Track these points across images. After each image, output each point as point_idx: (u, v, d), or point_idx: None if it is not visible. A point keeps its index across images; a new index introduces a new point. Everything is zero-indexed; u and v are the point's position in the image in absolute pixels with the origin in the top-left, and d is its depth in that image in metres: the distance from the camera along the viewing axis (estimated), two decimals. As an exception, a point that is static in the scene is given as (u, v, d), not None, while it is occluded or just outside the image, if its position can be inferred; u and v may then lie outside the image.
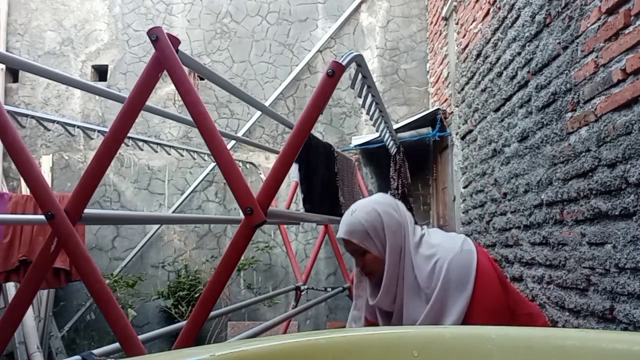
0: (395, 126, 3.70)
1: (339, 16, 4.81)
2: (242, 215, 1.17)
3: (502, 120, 2.61)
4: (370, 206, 1.39)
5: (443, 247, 1.32)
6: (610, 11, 1.58)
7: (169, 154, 3.68)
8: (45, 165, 4.79)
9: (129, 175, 4.81)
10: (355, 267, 1.47)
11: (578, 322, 1.81)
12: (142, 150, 3.30)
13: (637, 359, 0.60)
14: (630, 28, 1.48)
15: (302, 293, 3.43)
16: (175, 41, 1.18)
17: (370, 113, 1.99)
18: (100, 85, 4.53)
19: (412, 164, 3.40)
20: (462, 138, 3.43)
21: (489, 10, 2.83)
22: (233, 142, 4.57)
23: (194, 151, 3.81)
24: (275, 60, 4.84)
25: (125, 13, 5.00)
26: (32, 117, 2.24)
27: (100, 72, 5.04)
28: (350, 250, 1.41)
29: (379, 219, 1.37)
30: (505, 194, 2.57)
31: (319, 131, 4.63)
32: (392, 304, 1.36)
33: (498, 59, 2.66)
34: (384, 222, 1.36)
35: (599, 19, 1.65)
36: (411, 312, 1.33)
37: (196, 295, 4.33)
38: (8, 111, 1.36)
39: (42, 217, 1.12)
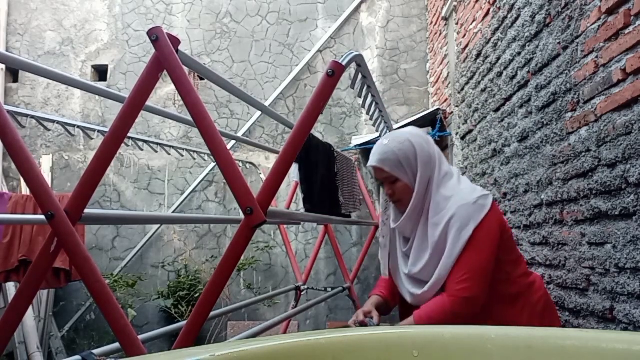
0: (395, 126, 3.69)
1: (339, 16, 4.81)
2: (242, 215, 1.17)
3: (502, 120, 2.61)
4: (403, 136, 1.45)
5: (461, 194, 1.39)
6: (610, 11, 1.58)
7: (169, 154, 3.68)
8: (45, 165, 4.78)
9: (129, 175, 4.81)
10: (382, 195, 1.54)
11: (578, 322, 1.81)
12: (142, 150, 3.30)
13: (637, 359, 0.60)
14: (630, 28, 1.48)
15: (302, 293, 3.43)
16: (175, 41, 1.18)
17: (370, 113, 1.99)
18: (100, 85, 4.53)
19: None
20: (462, 138, 3.43)
21: (489, 10, 2.83)
22: (233, 142, 4.57)
23: (194, 151, 3.81)
24: (275, 60, 4.84)
25: (125, 13, 5.00)
26: (32, 117, 2.24)
27: (100, 72, 5.04)
28: (380, 179, 1.48)
29: (412, 149, 1.43)
30: (505, 194, 2.57)
31: (319, 131, 4.63)
32: (412, 232, 1.45)
33: (498, 59, 2.66)
34: (417, 152, 1.43)
35: (599, 19, 1.65)
36: (420, 243, 1.43)
37: (196, 295, 4.33)
38: (8, 111, 1.36)
39: (42, 217, 1.12)
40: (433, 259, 1.38)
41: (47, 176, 4.69)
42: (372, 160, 1.45)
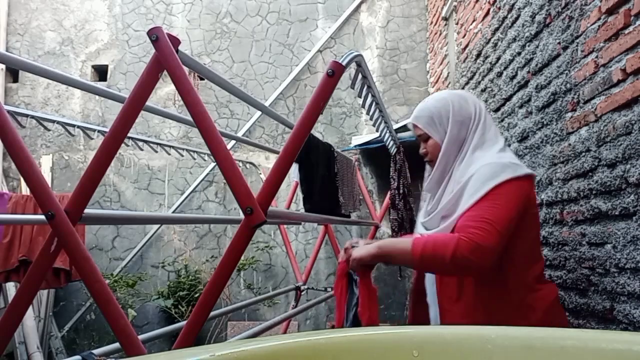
0: (395, 126, 3.69)
1: (339, 16, 4.81)
2: (242, 215, 1.17)
3: (502, 120, 2.61)
4: (443, 94, 1.43)
5: (494, 157, 1.32)
6: (610, 11, 1.58)
7: (169, 154, 3.69)
8: (45, 165, 4.79)
9: (129, 175, 4.81)
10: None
11: (578, 322, 1.81)
12: (142, 150, 3.30)
13: (637, 359, 0.60)
14: (630, 28, 1.48)
15: (302, 293, 3.43)
16: (175, 41, 1.18)
17: (370, 113, 1.99)
18: (100, 85, 4.53)
19: (412, 164, 3.39)
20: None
21: (489, 10, 2.83)
22: (233, 142, 4.57)
23: (194, 151, 3.81)
24: (275, 60, 4.84)
25: (125, 13, 5.00)
26: (32, 117, 2.24)
27: (100, 72, 5.04)
28: (416, 136, 1.45)
29: (448, 107, 1.39)
30: (505, 194, 2.56)
31: (319, 131, 4.63)
32: (439, 194, 1.39)
33: (498, 59, 2.66)
34: (452, 110, 1.38)
35: (599, 19, 1.65)
36: (437, 199, 1.38)
37: (196, 295, 4.33)
38: (8, 111, 1.36)
39: (42, 217, 1.12)
40: (446, 210, 1.32)
41: (47, 176, 4.69)
42: (411, 117, 1.45)
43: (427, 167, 1.48)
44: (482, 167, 1.30)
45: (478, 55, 3.03)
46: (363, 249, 1.34)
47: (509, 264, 1.30)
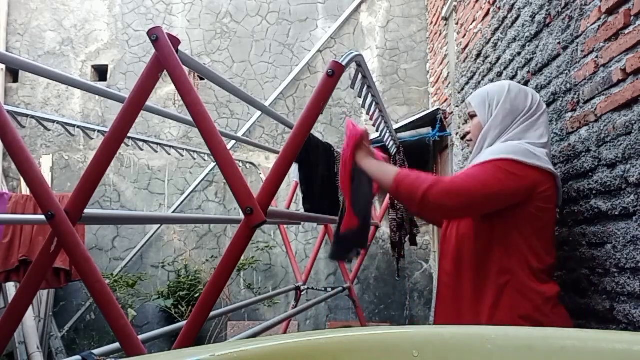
0: (395, 126, 3.70)
1: (339, 16, 4.81)
2: (242, 215, 1.17)
3: (502, 120, 2.60)
4: (506, 82, 1.45)
5: (516, 143, 1.35)
6: (610, 11, 1.58)
7: (169, 154, 3.68)
8: (45, 165, 4.79)
9: (129, 175, 4.81)
10: None
11: (578, 322, 1.81)
12: (142, 150, 3.30)
13: (637, 359, 0.60)
14: (630, 28, 1.48)
15: (302, 293, 3.42)
16: (175, 41, 1.18)
17: (370, 113, 1.99)
18: (100, 85, 4.53)
19: (412, 164, 3.39)
20: (462, 138, 3.43)
21: (489, 10, 2.83)
22: (233, 142, 4.57)
23: (194, 151, 3.81)
24: (275, 60, 4.84)
25: (125, 13, 5.00)
26: (32, 117, 2.24)
27: (100, 72, 5.04)
28: (468, 114, 1.49)
29: (502, 93, 1.41)
30: (505, 194, 2.56)
31: (319, 131, 4.63)
32: None
33: (498, 59, 2.66)
34: (504, 96, 1.40)
35: (599, 19, 1.65)
36: None
37: (196, 295, 4.33)
38: (8, 111, 1.36)
39: (42, 217, 1.12)
40: None
41: (47, 176, 4.69)
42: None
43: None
44: (499, 146, 1.34)
45: (478, 55, 3.02)
46: (362, 154, 1.39)
47: (504, 252, 1.30)
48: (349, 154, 1.41)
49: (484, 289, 1.31)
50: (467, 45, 3.30)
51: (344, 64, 1.22)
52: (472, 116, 1.47)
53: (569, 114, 1.86)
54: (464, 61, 3.36)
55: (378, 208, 4.24)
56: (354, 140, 1.40)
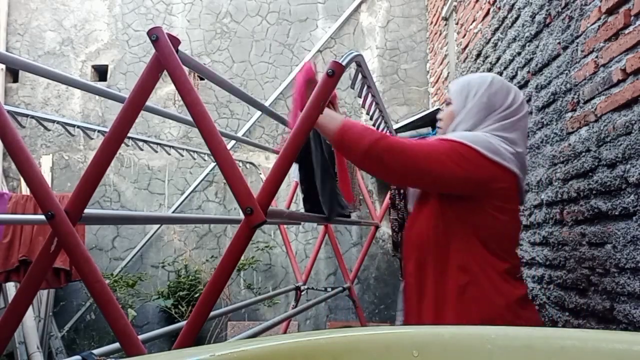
0: (395, 126, 3.69)
1: (339, 16, 4.81)
2: (242, 215, 1.17)
3: (502, 120, 2.61)
4: (492, 75, 1.36)
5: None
6: (610, 11, 1.58)
7: (169, 154, 3.68)
8: (45, 165, 4.78)
9: (129, 175, 4.81)
10: None
11: (578, 322, 1.81)
12: (142, 150, 3.30)
13: (637, 359, 0.60)
14: (630, 28, 1.48)
15: (302, 293, 3.42)
16: (175, 41, 1.18)
17: (370, 113, 1.98)
18: (100, 85, 4.53)
19: (412, 164, 3.40)
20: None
21: (489, 10, 2.83)
22: (233, 142, 4.57)
23: (194, 151, 3.81)
24: (275, 60, 4.84)
25: (125, 13, 5.00)
26: (32, 117, 2.24)
27: (100, 72, 5.04)
28: (445, 101, 1.42)
29: (484, 85, 1.33)
30: (505, 194, 2.56)
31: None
32: None
33: (498, 59, 2.66)
34: (485, 88, 1.32)
35: (599, 19, 1.65)
36: None
37: (196, 295, 4.33)
38: (8, 111, 1.36)
39: (42, 217, 1.12)
40: None
41: (47, 176, 4.69)
42: None
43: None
44: (465, 132, 1.28)
45: (478, 55, 3.02)
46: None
47: (463, 251, 1.24)
48: (301, 92, 1.36)
49: (445, 290, 1.26)
50: (467, 45, 3.30)
51: (344, 64, 1.22)
52: (448, 103, 1.39)
53: (569, 114, 1.86)
54: (464, 61, 3.36)
55: (378, 208, 4.24)
56: (307, 77, 1.37)
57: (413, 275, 1.33)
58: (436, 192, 1.30)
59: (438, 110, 4.26)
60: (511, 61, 2.46)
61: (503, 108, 1.31)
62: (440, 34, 4.20)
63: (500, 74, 2.61)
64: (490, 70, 2.79)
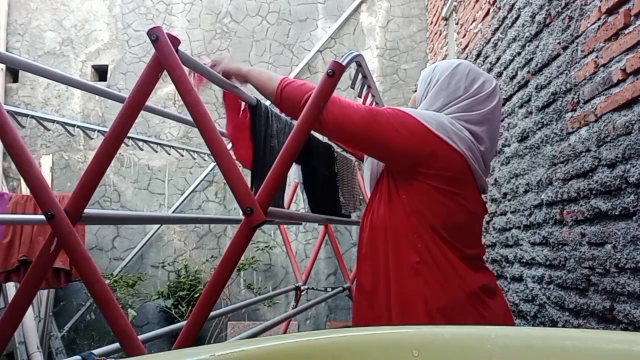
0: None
1: (339, 16, 4.81)
2: (242, 215, 1.17)
3: (502, 120, 2.61)
4: (461, 61, 1.27)
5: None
6: (610, 11, 1.58)
7: (169, 154, 3.69)
8: (45, 165, 4.78)
9: (129, 175, 4.81)
10: None
11: (578, 322, 1.81)
12: (142, 150, 3.30)
13: (637, 359, 0.60)
14: (630, 28, 1.48)
15: (302, 293, 3.42)
16: (175, 41, 1.18)
17: (370, 113, 1.98)
18: (100, 85, 4.53)
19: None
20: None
21: (489, 10, 2.83)
22: (233, 142, 4.56)
23: (194, 151, 3.81)
24: (275, 60, 4.84)
25: (125, 13, 5.00)
26: (32, 117, 2.24)
27: (100, 72, 5.04)
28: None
29: (448, 69, 1.23)
30: (505, 194, 2.57)
31: (319, 131, 4.63)
32: None
33: (498, 59, 2.66)
34: (448, 74, 1.23)
35: (599, 19, 1.65)
36: None
37: (196, 295, 4.34)
38: (8, 111, 1.36)
39: (42, 217, 1.12)
40: None
41: (47, 176, 4.69)
42: None
43: None
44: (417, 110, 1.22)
45: (478, 55, 3.02)
46: (232, 63, 1.33)
47: (413, 239, 1.17)
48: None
49: (401, 273, 1.18)
50: (467, 45, 3.30)
51: (344, 64, 1.22)
52: (414, 91, 1.32)
53: (569, 114, 1.86)
54: (464, 61, 3.35)
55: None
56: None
57: (367, 259, 1.26)
58: (376, 159, 1.26)
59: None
60: (511, 61, 2.46)
61: (467, 95, 1.20)
62: (440, 34, 4.20)
63: (500, 74, 2.61)
64: (490, 70, 2.79)
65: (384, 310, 1.19)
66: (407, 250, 1.17)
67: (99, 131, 2.71)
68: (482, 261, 1.27)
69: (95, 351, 1.38)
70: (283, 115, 1.68)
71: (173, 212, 4.65)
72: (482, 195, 1.29)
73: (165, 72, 1.18)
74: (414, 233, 1.17)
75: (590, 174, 1.71)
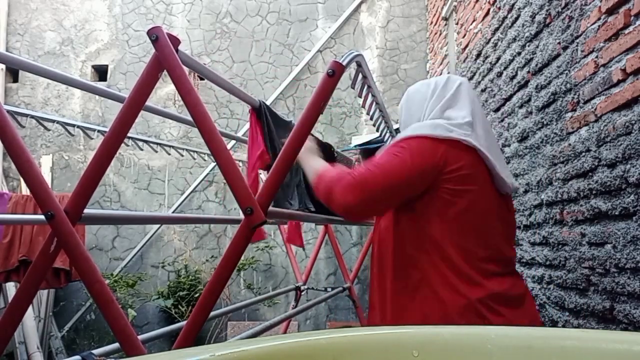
0: (395, 126, 3.69)
1: (339, 16, 4.81)
2: (242, 215, 1.17)
3: (502, 120, 2.61)
4: (424, 81, 1.34)
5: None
6: (610, 11, 1.58)
7: (169, 154, 3.68)
8: (45, 165, 4.78)
9: (129, 175, 4.81)
10: None
11: (578, 322, 1.81)
12: (142, 150, 3.30)
13: (637, 359, 0.60)
14: (630, 28, 1.48)
15: (302, 293, 3.43)
16: (175, 41, 1.18)
17: (371, 113, 1.98)
18: (100, 85, 4.52)
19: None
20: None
21: (489, 10, 2.83)
22: (233, 142, 4.56)
23: (194, 151, 3.81)
24: (275, 60, 4.84)
25: (125, 13, 5.00)
26: (32, 117, 2.24)
27: (100, 72, 5.04)
28: None
29: (412, 90, 1.33)
30: (505, 194, 2.56)
31: (319, 131, 4.63)
32: None
33: (498, 59, 2.66)
34: (414, 90, 1.32)
35: (599, 19, 1.65)
36: None
37: (196, 295, 4.33)
38: (8, 111, 1.36)
39: (42, 217, 1.12)
40: None
41: (47, 176, 4.69)
42: None
43: None
44: (413, 125, 1.24)
45: (478, 55, 3.03)
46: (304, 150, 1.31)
47: (415, 247, 1.18)
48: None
49: (404, 291, 1.19)
50: (467, 45, 3.30)
51: (344, 63, 1.22)
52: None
53: (569, 114, 1.86)
54: (464, 61, 3.36)
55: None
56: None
57: (376, 278, 1.27)
58: (412, 198, 1.19)
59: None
60: (511, 61, 2.46)
61: (431, 92, 1.28)
62: (440, 34, 4.20)
63: (500, 74, 2.61)
64: (490, 70, 2.79)
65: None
66: (410, 268, 1.19)
67: (99, 131, 2.71)
68: (501, 266, 1.19)
69: (95, 351, 1.38)
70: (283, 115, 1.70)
71: (173, 212, 4.65)
72: (512, 200, 1.31)
73: (165, 72, 1.18)
74: (419, 249, 1.18)
75: (590, 174, 1.71)
